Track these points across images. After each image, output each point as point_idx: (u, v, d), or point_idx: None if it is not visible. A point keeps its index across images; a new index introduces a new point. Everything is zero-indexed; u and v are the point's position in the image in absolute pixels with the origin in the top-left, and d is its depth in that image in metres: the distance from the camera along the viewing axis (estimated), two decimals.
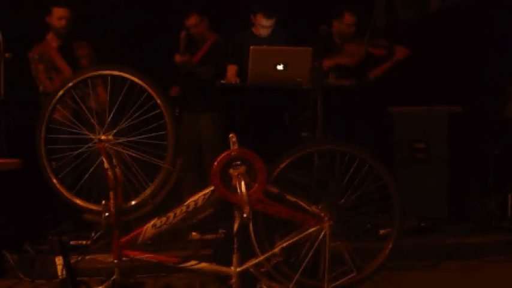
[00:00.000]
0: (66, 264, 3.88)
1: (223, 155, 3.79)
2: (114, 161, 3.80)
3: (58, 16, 5.20)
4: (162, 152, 3.82)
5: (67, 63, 5.23)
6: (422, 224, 5.58)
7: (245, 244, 3.78)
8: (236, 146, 3.80)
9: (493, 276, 4.68)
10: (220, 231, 5.27)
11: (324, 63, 5.32)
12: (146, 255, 3.86)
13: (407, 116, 6.00)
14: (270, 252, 3.81)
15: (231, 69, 5.40)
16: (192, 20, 5.50)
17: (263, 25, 5.41)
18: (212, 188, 3.80)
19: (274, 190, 3.83)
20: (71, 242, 4.58)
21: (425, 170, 5.92)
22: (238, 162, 3.77)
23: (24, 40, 5.37)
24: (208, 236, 5.32)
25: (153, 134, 3.77)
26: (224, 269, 3.80)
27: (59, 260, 4.05)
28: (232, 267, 3.76)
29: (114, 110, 3.80)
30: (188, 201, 3.81)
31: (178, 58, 5.35)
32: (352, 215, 4.02)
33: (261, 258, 3.81)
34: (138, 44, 6.17)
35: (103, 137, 3.80)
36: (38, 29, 5.36)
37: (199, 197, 3.82)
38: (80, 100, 4.02)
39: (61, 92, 3.91)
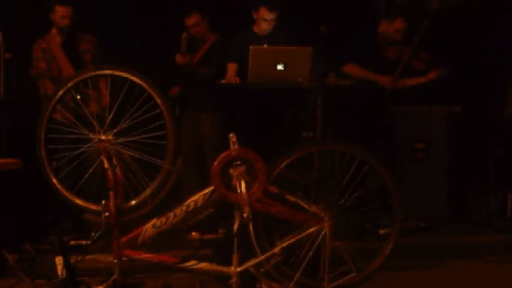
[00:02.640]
0: (66, 264, 3.87)
1: (223, 154, 3.78)
2: (114, 160, 3.81)
3: (61, 15, 5.18)
4: (162, 152, 3.82)
5: (70, 60, 5.22)
6: (422, 224, 5.58)
7: (245, 244, 3.78)
8: (236, 146, 3.79)
9: (493, 276, 4.67)
10: (220, 231, 5.27)
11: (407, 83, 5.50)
12: (146, 255, 3.86)
13: (407, 116, 6.00)
14: (270, 252, 3.81)
15: (231, 69, 5.39)
16: (193, 20, 5.50)
17: (266, 18, 5.38)
18: (212, 188, 3.80)
19: (274, 190, 3.82)
20: (71, 242, 4.58)
21: (425, 170, 5.92)
22: (239, 162, 3.76)
23: (26, 38, 5.37)
24: (208, 236, 5.32)
25: (153, 134, 3.77)
26: (224, 269, 3.80)
27: (59, 260, 4.05)
28: (232, 267, 3.76)
29: (114, 110, 3.80)
30: (188, 201, 3.81)
31: (179, 59, 5.34)
32: (352, 215, 4.02)
33: (261, 258, 3.81)
34: (138, 43, 6.16)
35: (103, 137, 3.80)
36: (42, 26, 5.35)
37: (199, 197, 3.81)
38: (80, 101, 4.02)
39: (61, 92, 3.91)
